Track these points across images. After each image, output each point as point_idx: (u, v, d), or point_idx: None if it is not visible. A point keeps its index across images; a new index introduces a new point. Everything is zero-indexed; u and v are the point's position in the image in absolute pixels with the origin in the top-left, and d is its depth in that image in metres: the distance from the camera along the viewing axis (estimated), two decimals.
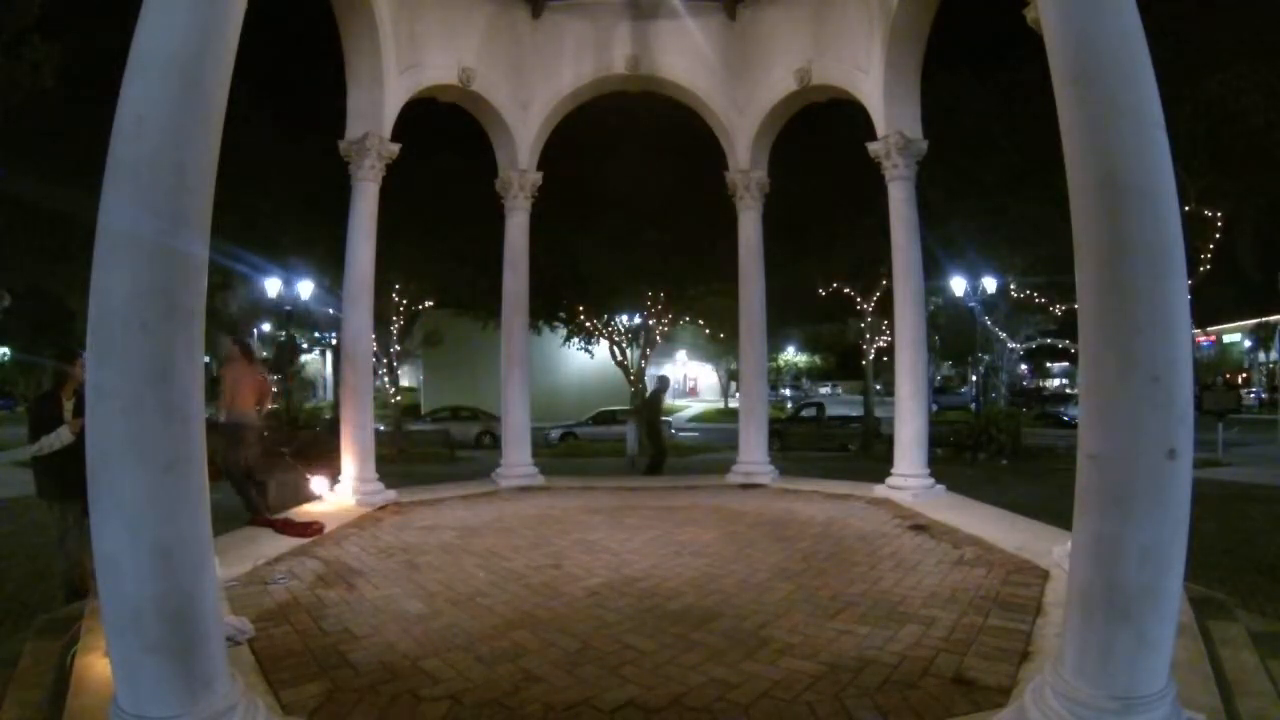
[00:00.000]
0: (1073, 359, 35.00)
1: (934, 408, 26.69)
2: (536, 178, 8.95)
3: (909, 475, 7.57)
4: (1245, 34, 11.66)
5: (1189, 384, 2.50)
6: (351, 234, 7.55)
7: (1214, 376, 28.09)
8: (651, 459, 11.81)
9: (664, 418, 27.56)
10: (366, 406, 7.82)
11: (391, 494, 7.68)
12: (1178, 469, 2.43)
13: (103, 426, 2.43)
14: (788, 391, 50.92)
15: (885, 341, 19.68)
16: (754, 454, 9.08)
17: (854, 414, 23.79)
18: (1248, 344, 41.63)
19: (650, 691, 3.09)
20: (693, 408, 42.65)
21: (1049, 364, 50.30)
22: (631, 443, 16.42)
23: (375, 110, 7.44)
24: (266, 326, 32.04)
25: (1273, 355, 37.36)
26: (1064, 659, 2.56)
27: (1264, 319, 33.53)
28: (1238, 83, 11.72)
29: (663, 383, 12.75)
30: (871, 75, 7.66)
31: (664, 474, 11.06)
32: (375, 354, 16.08)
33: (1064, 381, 48.87)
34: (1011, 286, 19.30)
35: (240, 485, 6.51)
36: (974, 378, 23.91)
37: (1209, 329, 38.21)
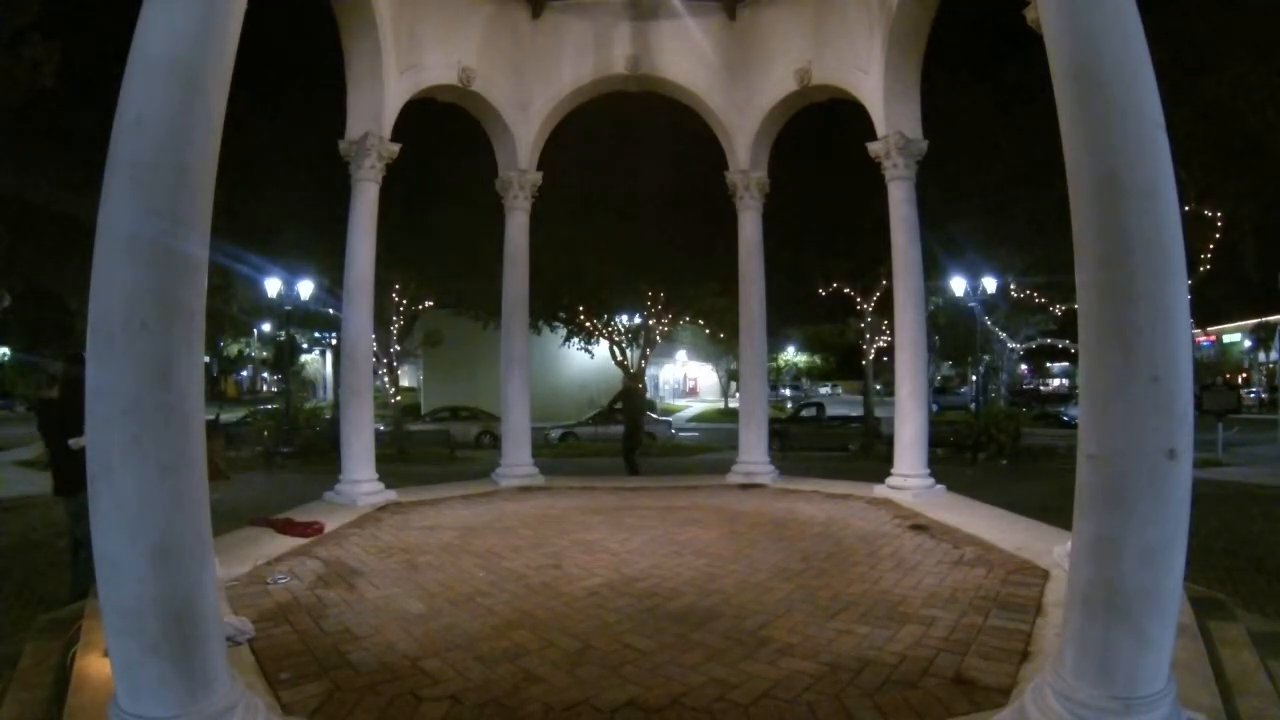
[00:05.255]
0: (1073, 359, 35.00)
1: (934, 408, 26.66)
2: (536, 178, 8.95)
3: (909, 475, 7.57)
4: (1245, 34, 11.66)
5: (1189, 384, 2.50)
6: (351, 234, 7.55)
7: (1214, 376, 28.02)
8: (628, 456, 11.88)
9: (667, 417, 27.77)
10: (366, 406, 7.81)
11: (391, 494, 7.68)
12: (1178, 469, 2.43)
13: (103, 427, 2.43)
14: (788, 391, 50.86)
15: (885, 341, 19.68)
16: (754, 454, 9.08)
17: (854, 414, 23.75)
18: (1248, 344, 41.57)
19: (650, 691, 3.09)
20: (693, 408, 42.59)
21: (1049, 364, 50.31)
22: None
23: (375, 110, 7.44)
24: (266, 326, 32.08)
25: (1273, 355, 37.33)
26: (1064, 659, 2.56)
27: (1264, 319, 33.49)
28: (1238, 83, 11.73)
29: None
30: (871, 75, 7.66)
31: (664, 474, 11.07)
32: (375, 354, 16.08)
33: (1064, 381, 48.84)
34: (1011, 286, 19.29)
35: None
36: (974, 378, 23.89)
37: (1209, 329, 38.16)
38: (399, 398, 22.20)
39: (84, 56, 10.83)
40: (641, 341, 22.77)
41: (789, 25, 8.49)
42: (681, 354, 43.15)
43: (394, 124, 7.68)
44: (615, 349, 22.50)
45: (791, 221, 14.03)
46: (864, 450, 18.59)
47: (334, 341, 26.26)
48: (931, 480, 7.59)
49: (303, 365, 44.83)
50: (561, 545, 5.72)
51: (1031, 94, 11.50)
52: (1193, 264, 13.79)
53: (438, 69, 8.04)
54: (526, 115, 8.83)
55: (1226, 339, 42.79)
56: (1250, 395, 33.83)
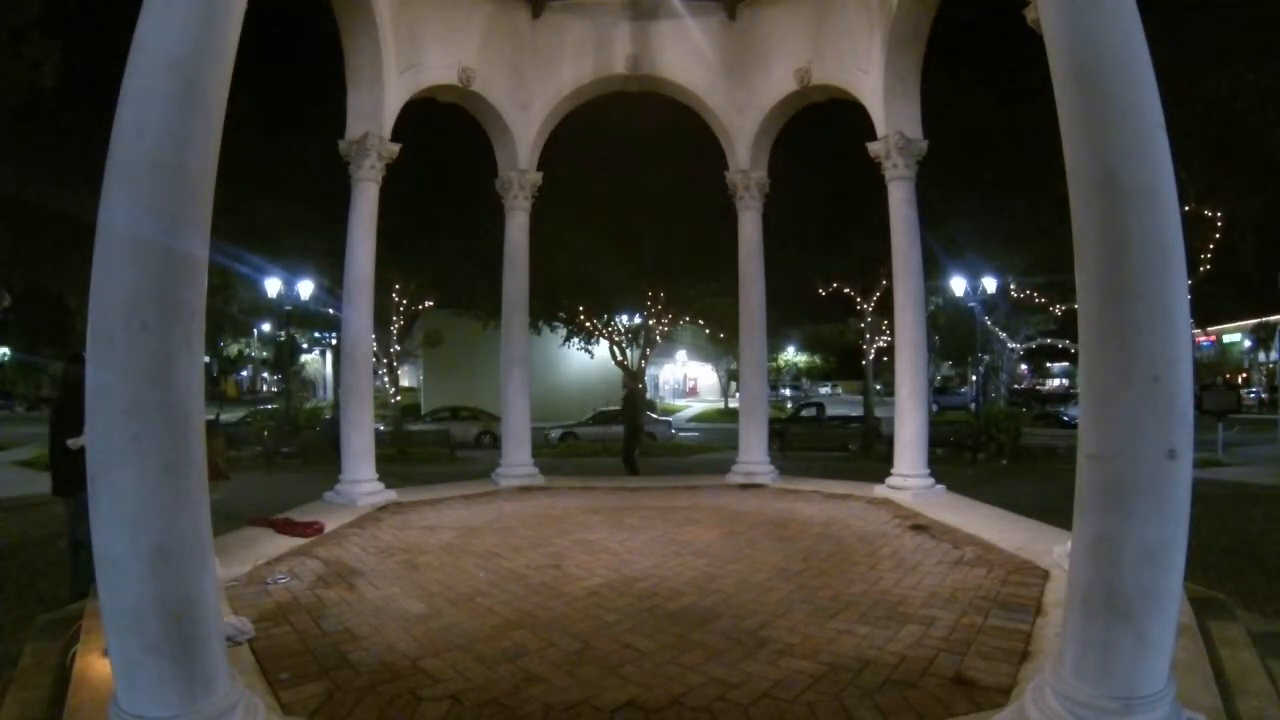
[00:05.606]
0: (1073, 359, 35.01)
1: (934, 408, 26.68)
2: (536, 178, 8.96)
3: (909, 475, 7.57)
4: (1245, 34, 11.66)
5: (1189, 384, 2.50)
6: (351, 234, 7.55)
7: (1214, 376, 28.04)
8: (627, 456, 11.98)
9: (667, 417, 27.79)
10: (366, 406, 7.82)
11: (391, 494, 7.68)
12: (1178, 469, 2.43)
13: (103, 427, 2.43)
14: (788, 391, 50.90)
15: (885, 341, 19.68)
16: (754, 454, 9.08)
17: (854, 414, 23.76)
18: (1248, 344, 41.59)
19: (650, 691, 3.09)
20: (693, 408, 42.59)
21: (1049, 364, 50.34)
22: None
23: (375, 110, 7.45)
24: (266, 326, 32.08)
25: (1273, 355, 37.34)
26: (1064, 659, 2.56)
27: (1264, 319, 33.51)
28: (1238, 83, 11.74)
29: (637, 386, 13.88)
30: (871, 75, 7.66)
31: (664, 474, 11.08)
32: (375, 354, 16.07)
33: (1064, 382, 48.87)
34: (1011, 286, 19.29)
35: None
36: (974, 378, 23.90)
37: (1209, 329, 38.18)
38: (399, 398, 22.20)
39: (84, 56, 10.83)
40: (641, 341, 22.77)
41: (789, 25, 8.49)
42: (681, 354, 43.15)
43: (394, 124, 7.68)
44: (615, 349, 22.50)
45: (791, 221, 14.02)
46: (864, 450, 18.58)
47: (334, 341, 26.25)
48: (931, 480, 7.59)
49: (303, 365, 44.83)
50: (561, 545, 5.72)
51: (1031, 94, 11.50)
52: (1193, 264, 13.79)
53: (438, 69, 8.05)
54: (526, 115, 8.83)
55: (1226, 339, 42.81)
56: (1250, 395, 33.84)
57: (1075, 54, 2.64)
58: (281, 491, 10.85)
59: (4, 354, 38.06)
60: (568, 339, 23.12)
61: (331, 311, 19.10)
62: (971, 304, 18.62)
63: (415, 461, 17.04)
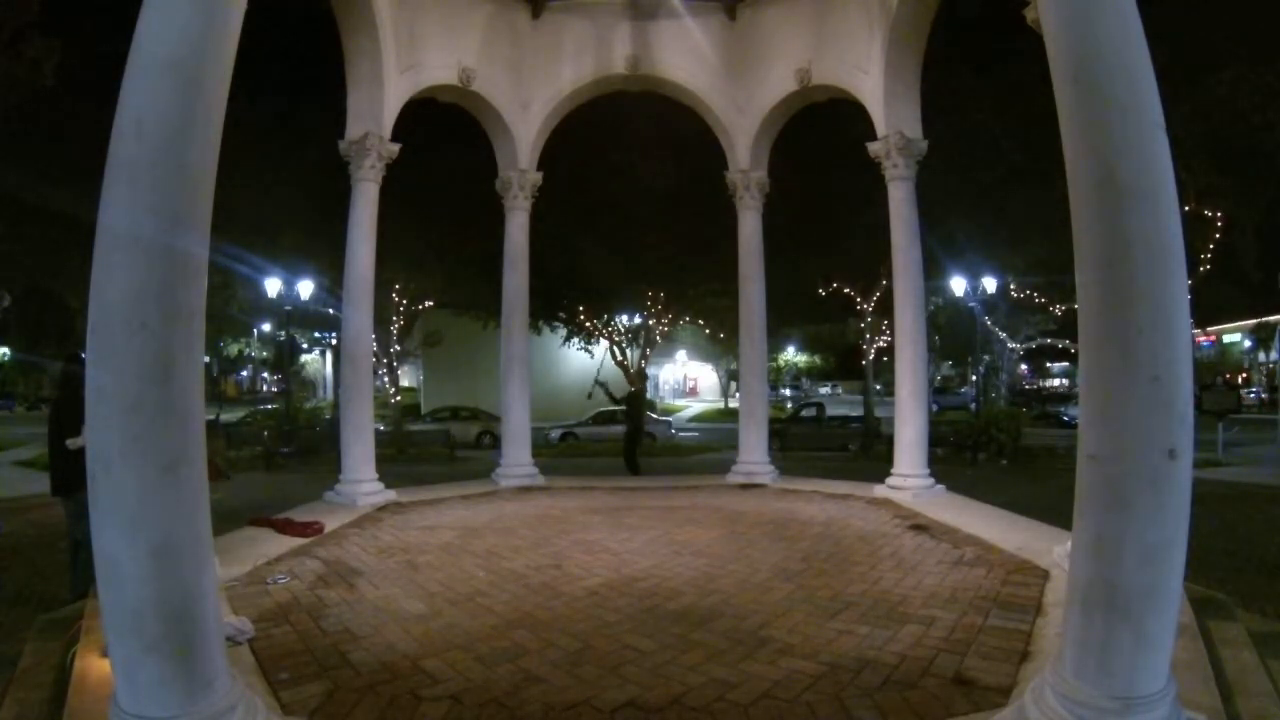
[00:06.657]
0: (1073, 359, 35.01)
1: (934, 408, 26.65)
2: (536, 178, 8.96)
3: (909, 475, 7.58)
4: (1245, 34, 11.67)
5: (1189, 384, 2.50)
6: (351, 234, 7.56)
7: (1214, 376, 28.03)
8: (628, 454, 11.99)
9: (667, 417, 27.79)
10: (366, 406, 7.82)
11: (391, 494, 7.69)
12: (1178, 469, 2.43)
13: (103, 426, 2.43)
14: (788, 391, 50.85)
15: (885, 341, 19.68)
16: (754, 454, 9.08)
17: (854, 414, 23.74)
18: (1248, 344, 41.59)
19: (650, 691, 3.09)
20: (693, 408, 42.57)
21: (1049, 364, 50.30)
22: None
23: (375, 110, 7.45)
24: (266, 326, 32.07)
25: (1273, 355, 37.35)
26: (1064, 659, 2.56)
27: (1264, 319, 33.49)
28: (1238, 83, 11.74)
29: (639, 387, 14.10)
30: (871, 75, 7.67)
31: (664, 474, 11.08)
32: (375, 354, 16.07)
33: (1064, 382, 48.83)
34: (1011, 286, 19.28)
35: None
36: (974, 378, 23.90)
37: (1209, 329, 38.19)
38: (399, 398, 22.18)
39: (84, 56, 10.83)
40: (641, 341, 22.76)
41: (789, 25, 8.49)
42: (681, 354, 43.14)
43: (394, 124, 7.68)
44: (615, 349, 22.49)
45: (791, 221, 14.01)
46: (864, 450, 18.55)
47: (334, 341, 26.24)
48: (931, 480, 7.60)
49: (303, 365, 44.84)
50: (561, 545, 5.73)
51: (1031, 93, 11.49)
52: (1193, 264, 13.79)
53: (438, 69, 8.05)
54: (526, 115, 8.83)
55: (1226, 339, 42.81)
56: (1250, 395, 33.81)
57: (1075, 53, 2.64)
58: (281, 491, 10.83)
59: (4, 354, 38.06)
60: (568, 339, 23.11)
61: (331, 311, 19.08)
62: (971, 304, 18.61)
63: (415, 461, 17.02)
